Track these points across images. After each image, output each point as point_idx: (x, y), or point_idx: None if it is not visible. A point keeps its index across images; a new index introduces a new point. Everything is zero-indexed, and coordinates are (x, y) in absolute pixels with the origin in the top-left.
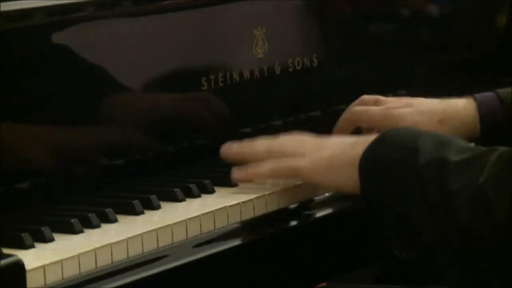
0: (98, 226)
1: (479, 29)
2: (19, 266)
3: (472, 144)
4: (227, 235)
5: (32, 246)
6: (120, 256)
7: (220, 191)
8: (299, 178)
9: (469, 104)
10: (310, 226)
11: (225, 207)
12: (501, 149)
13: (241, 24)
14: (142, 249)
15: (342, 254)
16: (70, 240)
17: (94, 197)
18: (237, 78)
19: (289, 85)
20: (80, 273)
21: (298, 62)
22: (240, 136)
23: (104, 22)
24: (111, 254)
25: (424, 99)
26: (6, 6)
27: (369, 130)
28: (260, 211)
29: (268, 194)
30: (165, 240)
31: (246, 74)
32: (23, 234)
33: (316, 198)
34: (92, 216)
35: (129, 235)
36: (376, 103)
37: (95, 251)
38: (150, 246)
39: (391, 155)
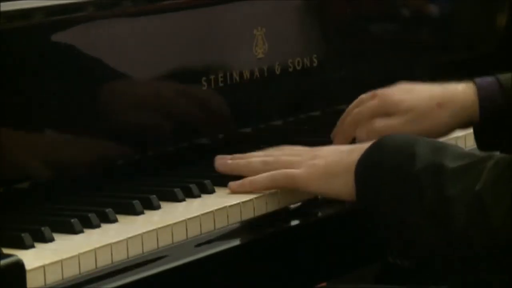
0: (98, 226)
1: (479, 29)
2: (19, 266)
3: (470, 149)
4: (227, 235)
5: (32, 246)
6: (120, 256)
7: (220, 191)
8: (296, 186)
9: (469, 88)
10: (310, 226)
11: (225, 207)
12: (498, 155)
13: (241, 24)
14: (142, 249)
15: (342, 254)
16: (70, 240)
17: (94, 197)
18: (237, 78)
19: (289, 85)
20: (80, 273)
21: (298, 62)
22: (240, 136)
23: (104, 22)
24: (111, 254)
25: (422, 85)
26: (6, 6)
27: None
28: (260, 211)
29: (268, 194)
30: (165, 240)
31: (246, 74)
32: (23, 234)
33: (316, 198)
34: (92, 216)
35: (129, 235)
36: (373, 97)
37: (95, 251)
38: (150, 246)
39: (387, 161)
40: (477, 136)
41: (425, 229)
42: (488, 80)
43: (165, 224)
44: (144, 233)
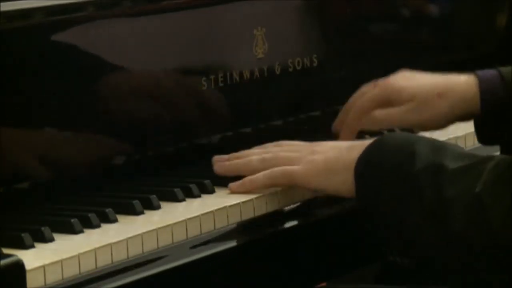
0: (98, 226)
1: (479, 29)
2: (19, 266)
3: (470, 149)
4: (227, 235)
5: (32, 246)
6: (120, 256)
7: (220, 191)
8: (295, 183)
9: (471, 80)
10: (310, 226)
11: (225, 207)
12: (499, 157)
13: (241, 24)
14: (142, 249)
15: (342, 254)
16: (70, 240)
17: (94, 197)
18: (237, 78)
19: (289, 85)
20: (80, 273)
21: (298, 62)
22: (240, 136)
23: (104, 22)
24: (111, 254)
25: (424, 74)
26: (6, 6)
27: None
28: (260, 211)
29: (268, 194)
30: (165, 240)
31: (246, 74)
32: (23, 234)
33: (316, 198)
34: (92, 216)
35: (129, 235)
36: (374, 87)
37: (95, 251)
38: (150, 246)
39: (387, 160)
40: (478, 129)
41: (425, 229)
42: (490, 73)
43: (165, 224)
44: (144, 233)
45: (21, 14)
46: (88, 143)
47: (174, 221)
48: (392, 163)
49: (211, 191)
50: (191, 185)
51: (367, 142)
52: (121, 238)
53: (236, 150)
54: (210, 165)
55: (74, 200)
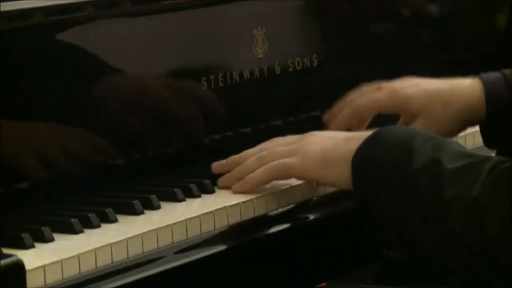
0: (98, 226)
1: (479, 29)
2: (19, 266)
3: (467, 148)
4: (227, 235)
5: (32, 246)
6: (120, 256)
7: (220, 191)
8: (292, 175)
9: (475, 84)
10: (310, 226)
11: (225, 207)
12: (495, 158)
13: (241, 24)
14: (142, 249)
15: (342, 254)
16: (70, 240)
17: (94, 197)
18: (237, 78)
19: (289, 85)
20: (80, 273)
21: (298, 62)
22: (240, 136)
23: (104, 22)
24: (111, 254)
25: (429, 79)
26: (6, 6)
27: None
28: (260, 211)
29: (268, 194)
30: (165, 240)
31: (246, 74)
32: (23, 234)
33: (316, 198)
34: (92, 216)
35: (129, 235)
36: (378, 90)
37: (95, 251)
38: (150, 246)
39: (386, 156)
40: (483, 132)
41: (425, 230)
42: (493, 75)
43: (165, 224)
44: (144, 233)
45: (21, 14)
46: (88, 143)
47: (174, 221)
48: (391, 161)
49: (211, 191)
50: (191, 185)
51: (364, 134)
52: (121, 238)
53: (236, 150)
54: (210, 165)
55: (74, 200)
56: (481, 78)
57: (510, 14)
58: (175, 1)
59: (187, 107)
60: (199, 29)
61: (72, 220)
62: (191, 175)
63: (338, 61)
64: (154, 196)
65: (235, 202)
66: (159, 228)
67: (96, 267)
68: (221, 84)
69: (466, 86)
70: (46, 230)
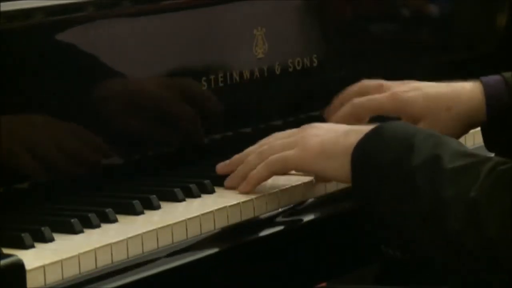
0: (98, 226)
1: (479, 29)
2: (19, 266)
3: (467, 147)
4: (227, 235)
5: (32, 246)
6: (120, 256)
7: (220, 191)
8: (291, 168)
9: (476, 87)
10: (310, 226)
11: (225, 207)
12: (495, 159)
13: (241, 24)
14: (142, 249)
15: (342, 254)
16: (70, 240)
17: (94, 197)
18: (237, 78)
19: (289, 85)
20: (80, 273)
21: (298, 62)
22: (240, 136)
23: (104, 22)
24: (111, 254)
25: (430, 82)
26: (6, 6)
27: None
28: (260, 211)
29: (268, 194)
30: (165, 240)
31: (246, 74)
32: (23, 234)
33: (316, 198)
34: (92, 216)
35: (129, 235)
36: (379, 89)
37: (95, 251)
38: (150, 246)
39: (386, 152)
40: (484, 135)
41: (425, 229)
42: (494, 78)
43: (165, 224)
44: (144, 233)
45: (21, 14)
46: (88, 143)
47: (174, 221)
48: (391, 158)
49: (211, 191)
50: (191, 185)
51: (365, 128)
52: (121, 238)
53: (236, 150)
54: (210, 165)
55: (74, 200)
56: (482, 81)
57: (510, 14)
58: (175, 1)
59: (187, 107)
60: (199, 29)
61: (72, 220)
62: (191, 175)
63: (338, 61)
64: (154, 196)
65: (235, 202)
66: (159, 228)
67: (96, 267)
68: (221, 84)
69: (467, 90)
70: (46, 230)
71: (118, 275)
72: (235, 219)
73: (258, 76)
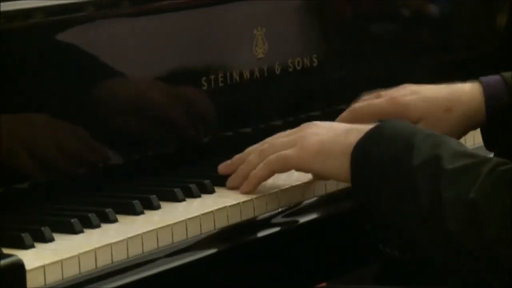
0: (98, 226)
1: (479, 29)
2: (19, 266)
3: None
4: (227, 235)
5: (32, 246)
6: (120, 256)
7: (220, 191)
8: (290, 166)
9: (475, 88)
10: (310, 226)
11: (225, 207)
12: (494, 160)
13: (241, 24)
14: (142, 249)
15: (342, 254)
16: (70, 240)
17: (94, 197)
18: (237, 78)
19: (289, 85)
20: (80, 273)
21: (298, 62)
22: (240, 136)
23: (104, 22)
24: (111, 254)
25: (428, 85)
26: (6, 6)
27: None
28: (260, 211)
29: (268, 194)
30: (165, 240)
31: (246, 74)
32: (23, 234)
33: (316, 198)
34: (92, 216)
35: (129, 235)
36: (378, 97)
37: (95, 251)
38: (150, 246)
39: (386, 152)
40: (484, 135)
41: (424, 230)
42: (493, 78)
43: (165, 224)
44: (144, 233)
45: (21, 14)
46: (88, 143)
47: (174, 221)
48: (391, 157)
49: (211, 191)
50: (191, 185)
51: (364, 127)
52: (121, 238)
53: (236, 150)
54: (210, 165)
55: (74, 200)
56: (481, 82)
57: (510, 14)
58: (175, 1)
59: (187, 107)
60: (199, 29)
61: (72, 220)
62: (191, 175)
63: (338, 61)
64: (154, 196)
65: (235, 202)
66: (159, 228)
67: (96, 267)
68: (221, 84)
69: (466, 91)
70: (46, 230)
71: (118, 275)
72: (235, 219)
73: (258, 76)
